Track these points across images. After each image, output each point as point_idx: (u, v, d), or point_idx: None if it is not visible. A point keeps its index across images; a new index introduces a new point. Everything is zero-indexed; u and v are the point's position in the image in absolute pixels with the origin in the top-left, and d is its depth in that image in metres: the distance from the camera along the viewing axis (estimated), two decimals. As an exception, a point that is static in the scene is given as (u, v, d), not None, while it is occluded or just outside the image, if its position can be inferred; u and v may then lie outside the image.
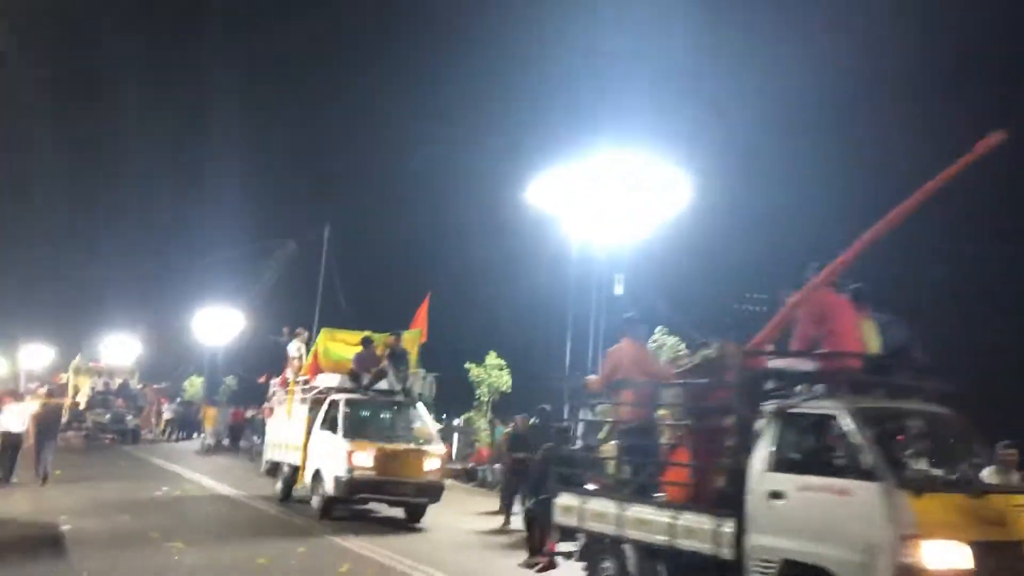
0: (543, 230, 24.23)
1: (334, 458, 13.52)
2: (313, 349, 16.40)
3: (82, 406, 38.14)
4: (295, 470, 15.21)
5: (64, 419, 34.94)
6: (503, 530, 14.04)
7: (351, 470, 13.13)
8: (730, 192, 36.27)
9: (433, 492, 13.80)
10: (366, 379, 14.84)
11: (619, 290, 21.62)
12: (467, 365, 26.41)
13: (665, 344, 18.95)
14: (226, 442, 34.11)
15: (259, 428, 30.74)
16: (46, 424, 16.77)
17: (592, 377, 8.72)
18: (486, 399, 25.87)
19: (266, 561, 9.70)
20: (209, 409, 35.95)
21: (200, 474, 20.59)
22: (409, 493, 13.63)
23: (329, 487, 13.47)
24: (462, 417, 27.58)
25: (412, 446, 14.00)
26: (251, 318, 51.42)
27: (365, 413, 14.58)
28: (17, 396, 18.08)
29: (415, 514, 14.10)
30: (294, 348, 17.09)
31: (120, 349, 50.60)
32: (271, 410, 17.82)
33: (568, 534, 8.48)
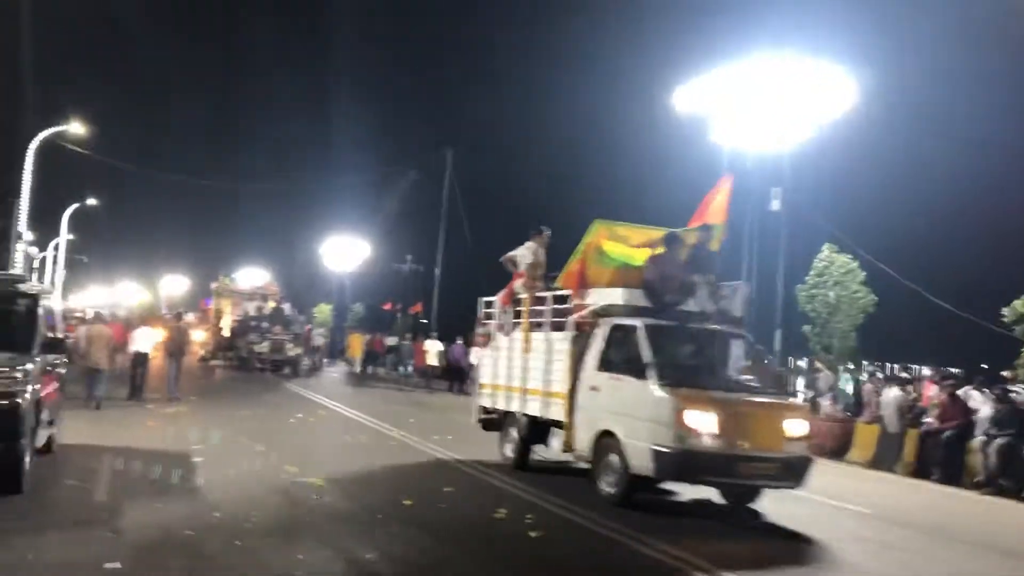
0: (691, 142, 22.22)
1: (647, 418, 8.79)
2: (578, 252, 10.56)
3: (225, 332, 34.78)
4: (539, 427, 10.76)
5: (210, 347, 34.25)
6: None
7: (683, 438, 8.48)
8: (902, 93, 32.74)
9: (799, 471, 9.04)
10: (669, 295, 9.78)
11: (776, 205, 19.51)
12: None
13: (834, 262, 16.95)
14: (358, 369, 33.70)
15: (406, 356, 29.34)
16: (171, 347, 18.13)
17: None
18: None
19: (411, 502, 8.58)
20: (355, 336, 34.75)
21: (350, 407, 19.55)
22: (770, 475, 8.91)
23: (640, 462, 8.75)
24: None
25: (767, 400, 9.40)
26: (375, 246, 51.51)
27: (674, 347, 9.76)
28: (148, 322, 20.05)
29: (744, 498, 9.68)
30: (527, 253, 11.45)
31: (253, 277, 51.28)
32: (486, 338, 12.51)
33: None
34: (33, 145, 35.06)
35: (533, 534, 7.65)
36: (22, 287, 9.33)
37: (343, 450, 12.25)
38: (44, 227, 54.80)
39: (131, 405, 16.02)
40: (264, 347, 30.00)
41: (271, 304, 36.15)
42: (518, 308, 11.41)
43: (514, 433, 11.23)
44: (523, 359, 11.01)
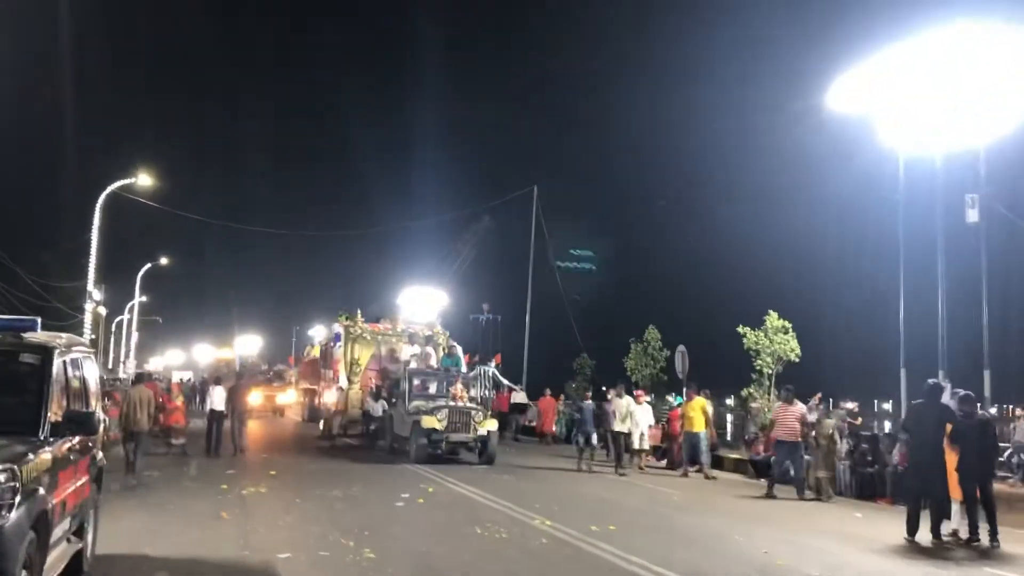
0: (851, 147, 18.64)
1: None
2: None
3: (358, 395, 23.31)
4: None
5: (335, 417, 24.05)
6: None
7: None
8: None
9: None
10: None
11: (973, 216, 15.77)
12: (740, 329, 21.31)
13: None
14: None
15: (588, 421, 18.08)
16: (233, 403, 18.72)
17: None
18: (770, 371, 20.66)
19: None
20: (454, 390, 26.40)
21: (466, 483, 14.77)
22: None
23: None
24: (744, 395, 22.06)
25: None
26: (451, 296, 48.69)
27: None
28: (218, 380, 20.42)
29: None
30: None
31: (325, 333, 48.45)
32: None
33: None
34: (100, 201, 33.35)
35: None
36: (27, 338, 6.29)
37: (479, 552, 8.82)
38: (118, 289, 53.73)
39: (200, 486, 13.20)
40: (439, 421, 17.73)
41: (437, 353, 22.46)
42: None
43: None
44: None
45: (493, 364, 23.12)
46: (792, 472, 15.65)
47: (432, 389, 19.76)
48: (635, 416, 17.61)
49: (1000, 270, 15.98)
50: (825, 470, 14.25)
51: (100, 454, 7.71)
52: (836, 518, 12.24)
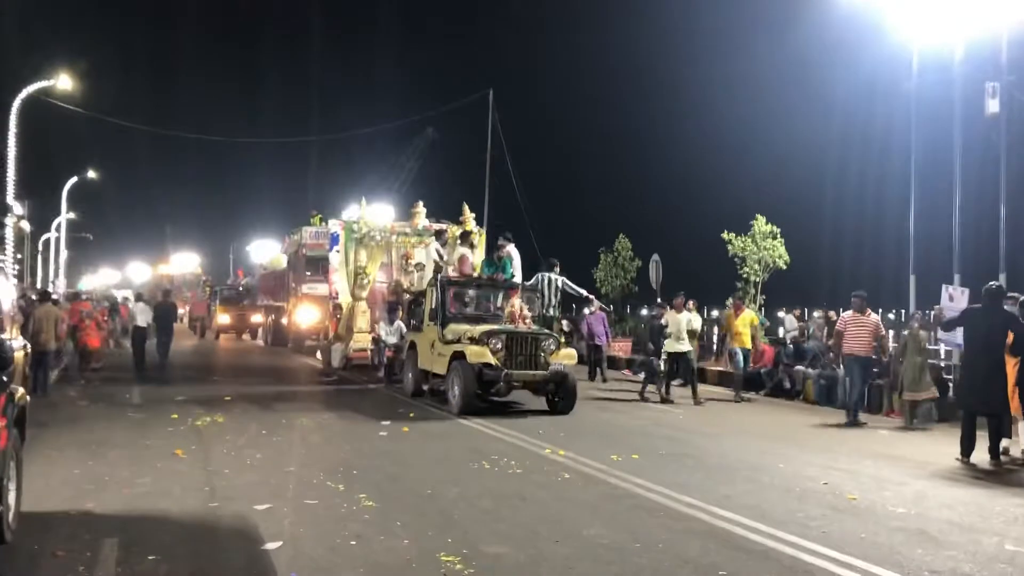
0: (860, 37, 17.10)
1: None
2: None
3: (373, 325, 17.57)
4: None
5: (340, 345, 18.53)
6: None
7: None
8: None
9: None
10: None
11: (993, 107, 14.50)
12: (725, 235, 20.06)
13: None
14: None
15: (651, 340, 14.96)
16: (159, 320, 19.35)
17: None
18: (757, 279, 19.51)
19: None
20: (511, 308, 20.66)
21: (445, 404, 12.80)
22: None
23: None
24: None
25: None
26: (398, 209, 46.75)
27: None
28: (139, 297, 21.59)
29: None
30: None
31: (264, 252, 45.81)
32: None
33: None
34: (16, 105, 30.35)
35: None
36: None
37: (499, 495, 7.34)
38: (45, 205, 50.20)
39: (145, 416, 11.53)
40: (493, 353, 12.34)
41: (474, 257, 16.47)
42: None
43: None
44: None
45: (557, 270, 16.86)
46: (787, 384, 14.69)
47: (472, 308, 14.13)
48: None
49: (1016, 166, 14.86)
50: (923, 390, 12.10)
51: (20, 391, 6.03)
52: (865, 439, 11.14)
